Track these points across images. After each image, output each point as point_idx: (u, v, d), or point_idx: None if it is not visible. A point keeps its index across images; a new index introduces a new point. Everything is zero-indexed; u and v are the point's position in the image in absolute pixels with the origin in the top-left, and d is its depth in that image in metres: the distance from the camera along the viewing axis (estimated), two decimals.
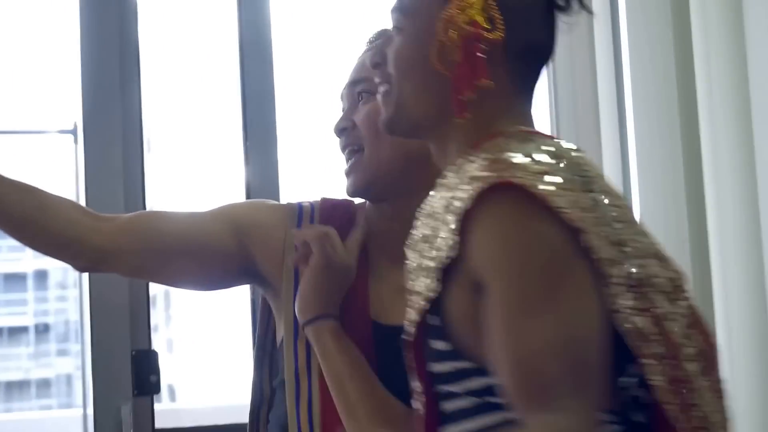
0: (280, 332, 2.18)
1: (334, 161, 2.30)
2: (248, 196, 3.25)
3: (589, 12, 1.71)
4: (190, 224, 2.20)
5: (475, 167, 1.61)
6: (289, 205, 2.21)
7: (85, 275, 3.15)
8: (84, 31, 3.20)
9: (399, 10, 1.76)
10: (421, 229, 1.69)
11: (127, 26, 3.22)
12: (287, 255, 2.14)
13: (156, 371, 3.12)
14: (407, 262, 1.74)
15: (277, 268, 2.15)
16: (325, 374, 2.04)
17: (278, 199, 3.10)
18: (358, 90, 2.12)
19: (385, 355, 2.05)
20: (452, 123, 1.69)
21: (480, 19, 1.64)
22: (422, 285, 1.64)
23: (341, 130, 2.11)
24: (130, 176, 3.17)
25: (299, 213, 2.18)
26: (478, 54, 1.65)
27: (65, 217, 2.09)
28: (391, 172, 2.07)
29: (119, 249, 2.14)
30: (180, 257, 2.18)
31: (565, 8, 1.75)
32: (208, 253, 2.16)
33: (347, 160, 2.11)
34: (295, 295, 2.11)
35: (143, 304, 3.16)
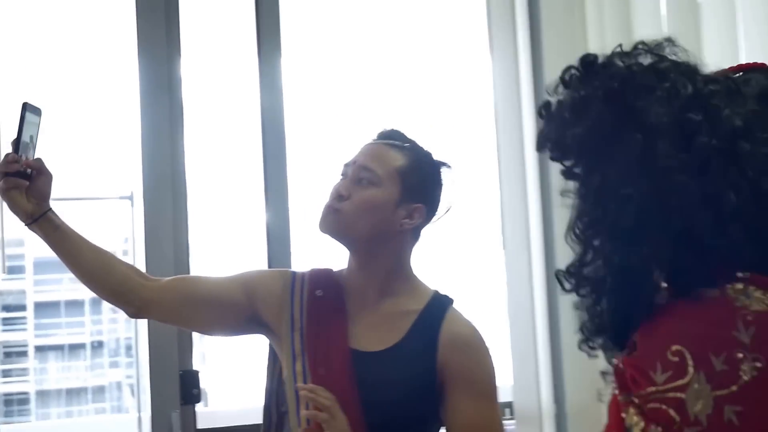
0: (284, 369, 2.26)
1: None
2: (268, 235, 3.38)
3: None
4: (213, 285, 2.32)
5: None
6: (287, 271, 2.34)
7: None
8: (144, 117, 3.32)
9: None
10: None
11: (176, 119, 3.34)
12: (283, 308, 2.25)
13: (197, 386, 3.26)
14: None
15: (276, 317, 2.26)
16: None
17: (289, 238, 3.33)
18: (365, 176, 2.21)
19: (361, 372, 2.17)
20: None
21: None
22: None
23: (340, 197, 2.20)
24: (178, 232, 3.30)
25: (293, 277, 2.30)
26: None
27: (124, 274, 2.26)
28: (359, 237, 2.21)
29: (159, 301, 2.29)
30: (204, 308, 2.30)
31: None
32: (225, 305, 2.28)
33: (333, 200, 2.20)
34: (293, 339, 2.22)
35: (188, 336, 3.29)
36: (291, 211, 3.42)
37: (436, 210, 2.27)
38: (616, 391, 1.31)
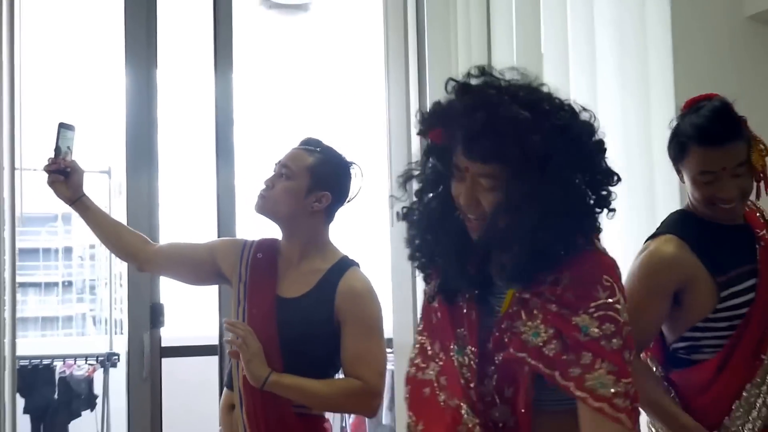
0: (232, 311, 2.55)
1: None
2: (218, 199, 3.70)
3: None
4: (190, 249, 2.68)
5: None
6: (240, 240, 2.66)
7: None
8: (129, 110, 3.68)
9: None
10: None
11: (152, 111, 3.70)
12: (235, 266, 2.57)
13: (162, 314, 3.68)
14: None
15: (230, 272, 2.60)
16: (300, 395, 2.38)
17: (234, 200, 3.68)
18: (284, 172, 2.52)
19: (280, 313, 2.46)
20: None
21: None
22: None
23: (267, 186, 2.53)
24: (151, 200, 3.69)
25: (244, 244, 2.62)
26: None
27: (130, 242, 2.71)
28: (281, 216, 2.53)
29: (154, 261, 2.70)
30: (184, 266, 2.69)
31: None
32: (198, 264, 2.65)
33: (263, 190, 2.52)
34: (239, 289, 2.53)
35: (157, 278, 3.70)
36: (237, 193, 3.78)
37: (345, 196, 2.54)
38: (555, 309, 1.59)
